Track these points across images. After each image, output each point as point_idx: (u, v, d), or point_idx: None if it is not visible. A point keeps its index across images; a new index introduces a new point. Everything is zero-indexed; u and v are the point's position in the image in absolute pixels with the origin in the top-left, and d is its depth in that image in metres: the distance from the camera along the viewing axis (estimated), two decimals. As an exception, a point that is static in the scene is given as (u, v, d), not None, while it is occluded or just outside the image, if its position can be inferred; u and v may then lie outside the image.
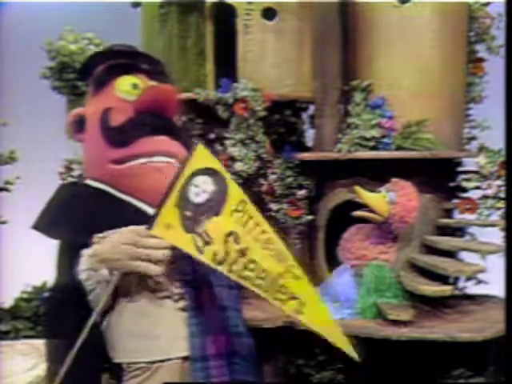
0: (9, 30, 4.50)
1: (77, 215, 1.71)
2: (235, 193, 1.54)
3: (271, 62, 2.79)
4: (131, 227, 1.54)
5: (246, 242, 1.50)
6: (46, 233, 1.71)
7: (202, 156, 1.53)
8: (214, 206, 1.52)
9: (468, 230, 2.84)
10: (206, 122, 2.85)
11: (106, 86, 1.83)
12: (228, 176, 1.56)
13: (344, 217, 2.62)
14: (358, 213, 2.51)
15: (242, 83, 2.70)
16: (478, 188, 2.74)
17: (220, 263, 1.48)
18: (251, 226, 1.52)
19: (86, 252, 1.60)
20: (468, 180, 2.77)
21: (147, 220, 1.52)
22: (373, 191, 2.52)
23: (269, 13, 2.77)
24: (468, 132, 2.93)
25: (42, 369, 2.46)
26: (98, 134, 1.77)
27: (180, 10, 2.94)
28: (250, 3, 2.73)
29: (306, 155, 2.78)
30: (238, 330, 1.63)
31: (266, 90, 2.66)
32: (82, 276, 1.59)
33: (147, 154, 1.73)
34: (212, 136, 2.83)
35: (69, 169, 4.46)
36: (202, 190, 1.53)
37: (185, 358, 1.63)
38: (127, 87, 1.81)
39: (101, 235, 1.60)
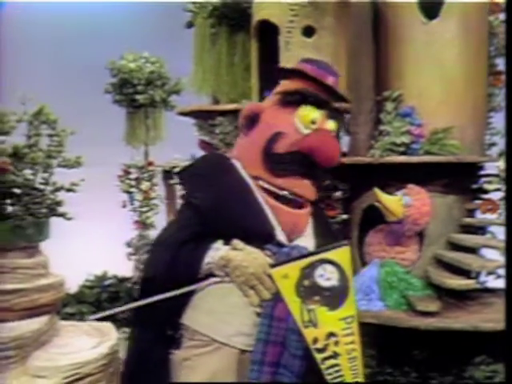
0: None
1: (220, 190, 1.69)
2: (350, 305, 1.57)
3: (310, 76, 2.73)
4: (264, 260, 1.59)
5: (341, 349, 1.56)
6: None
7: (344, 255, 1.57)
8: (329, 298, 1.56)
9: (489, 228, 2.78)
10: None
11: (286, 107, 1.72)
12: (352, 290, 1.58)
13: (376, 216, 2.57)
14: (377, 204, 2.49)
15: (283, 95, 2.65)
16: (498, 190, 2.68)
17: (317, 350, 1.54)
18: (349, 339, 1.56)
19: (216, 246, 1.62)
20: (489, 182, 2.73)
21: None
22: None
23: (308, 30, 2.72)
24: (489, 138, 2.87)
25: (104, 347, 2.45)
26: (259, 148, 1.71)
27: (228, 29, 2.93)
28: (291, 21, 2.68)
29: (341, 160, 2.72)
30: (296, 352, 1.59)
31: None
32: (204, 266, 1.61)
33: (286, 190, 1.71)
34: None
35: (127, 172, 4.49)
36: (326, 277, 1.55)
37: (242, 351, 1.64)
38: (307, 121, 1.71)
39: (239, 243, 1.61)
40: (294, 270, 1.53)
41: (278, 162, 1.68)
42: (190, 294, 1.66)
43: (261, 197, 1.70)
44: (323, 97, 1.72)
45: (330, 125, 1.75)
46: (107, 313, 1.67)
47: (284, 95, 1.74)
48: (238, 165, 1.75)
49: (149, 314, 1.65)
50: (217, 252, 1.60)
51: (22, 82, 3.85)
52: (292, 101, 1.71)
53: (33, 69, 4.93)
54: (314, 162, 1.69)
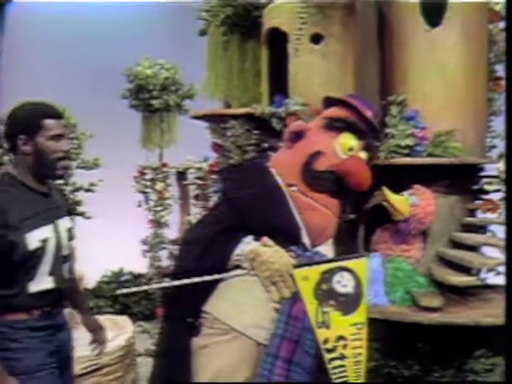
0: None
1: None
2: (362, 312, 1.63)
3: (318, 81, 2.75)
4: (288, 260, 1.64)
5: (348, 352, 1.61)
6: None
7: (361, 265, 1.63)
8: (344, 304, 1.61)
9: (489, 227, 2.79)
10: (262, 133, 2.86)
11: (329, 131, 1.88)
12: (366, 298, 1.65)
13: (382, 216, 2.57)
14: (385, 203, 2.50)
15: (293, 99, 2.70)
16: (498, 191, 2.69)
17: (326, 350, 1.59)
18: (357, 344, 1.61)
19: (246, 241, 1.68)
20: (489, 183, 2.74)
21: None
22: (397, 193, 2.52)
23: (316, 38, 2.73)
24: (490, 141, 2.88)
25: (121, 339, 2.47)
26: (300, 160, 1.83)
27: (240, 37, 2.96)
28: (300, 29, 2.69)
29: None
30: (309, 350, 1.65)
31: (314, 105, 2.62)
32: (233, 257, 1.67)
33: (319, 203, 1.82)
34: (266, 145, 2.81)
35: (142, 173, 4.52)
36: (343, 284, 1.61)
37: (258, 344, 1.68)
38: (346, 147, 1.86)
39: (268, 240, 1.67)
40: (314, 273, 1.60)
41: (315, 177, 1.80)
42: (215, 283, 1.71)
43: (292, 202, 1.79)
44: (362, 127, 1.88)
45: (363, 155, 1.89)
46: (135, 289, 1.79)
47: (330, 120, 1.90)
48: (274, 171, 1.86)
49: (177, 307, 1.72)
50: (247, 245, 1.67)
51: (40, 86, 3.90)
52: (336, 127, 1.87)
53: (54, 73, 4.96)
54: (347, 184, 1.82)
